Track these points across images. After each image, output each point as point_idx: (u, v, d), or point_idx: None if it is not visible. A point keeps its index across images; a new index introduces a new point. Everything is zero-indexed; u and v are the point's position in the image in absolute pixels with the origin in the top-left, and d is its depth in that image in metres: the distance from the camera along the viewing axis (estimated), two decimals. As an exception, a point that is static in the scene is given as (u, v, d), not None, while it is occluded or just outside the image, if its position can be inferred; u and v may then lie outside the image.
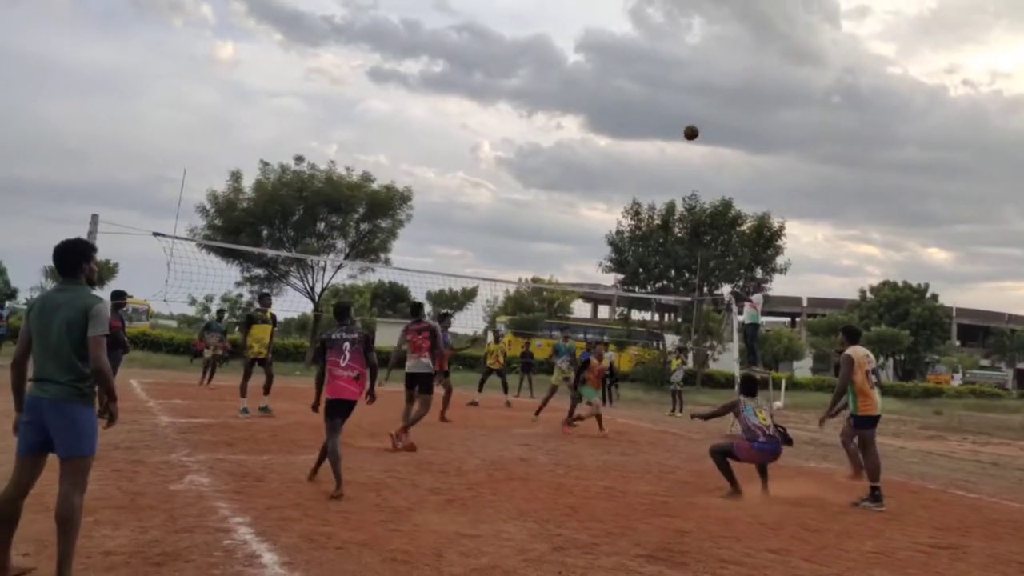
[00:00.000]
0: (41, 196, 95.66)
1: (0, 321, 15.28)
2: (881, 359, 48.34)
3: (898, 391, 34.12)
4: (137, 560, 4.07)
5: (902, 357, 49.83)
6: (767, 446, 7.51)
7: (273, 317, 12.19)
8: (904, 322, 48.82)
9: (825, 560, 5.15)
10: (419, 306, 10.59)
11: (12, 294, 35.26)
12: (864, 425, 7.61)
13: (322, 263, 30.63)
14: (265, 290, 28.61)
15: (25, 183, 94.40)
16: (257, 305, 13.26)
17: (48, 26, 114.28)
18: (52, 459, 3.78)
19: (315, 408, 6.80)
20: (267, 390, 11.43)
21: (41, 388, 3.70)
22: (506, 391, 17.28)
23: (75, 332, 3.70)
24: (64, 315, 3.71)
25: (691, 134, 11.05)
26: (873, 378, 7.67)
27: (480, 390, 16.96)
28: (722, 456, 7.56)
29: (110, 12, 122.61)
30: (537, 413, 13.54)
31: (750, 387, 8.03)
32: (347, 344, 6.67)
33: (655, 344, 33.59)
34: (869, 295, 53.39)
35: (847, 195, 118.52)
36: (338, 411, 6.58)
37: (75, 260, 3.88)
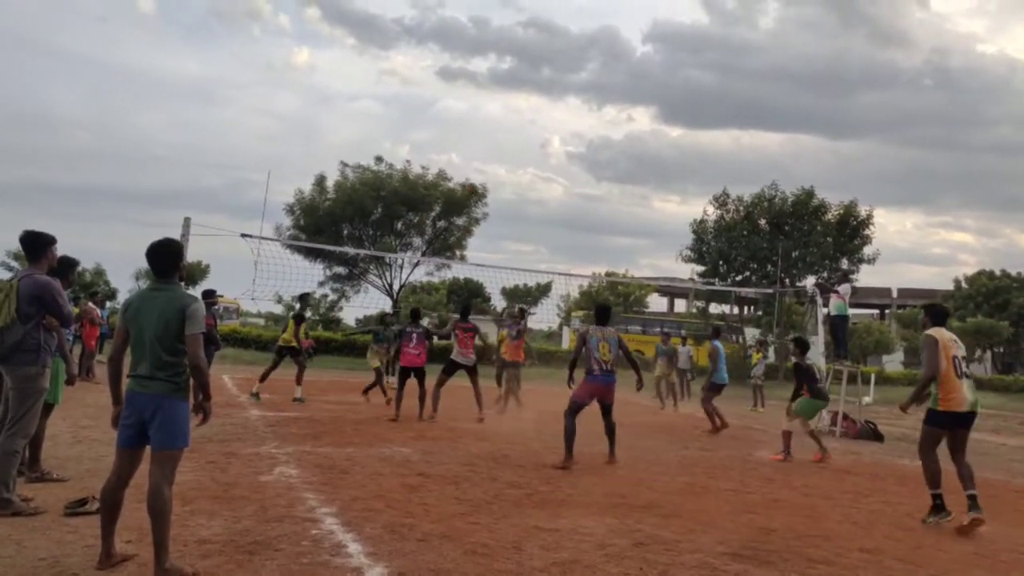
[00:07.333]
0: (134, 201, 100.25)
1: (103, 321, 16.15)
2: (978, 351, 45.87)
3: (997, 385, 32.10)
4: (230, 548, 4.24)
5: (1001, 350, 47.10)
6: (600, 378, 7.70)
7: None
8: (1003, 313, 46.14)
9: (921, 561, 4.93)
10: (467, 308, 11.90)
11: (112, 295, 37.27)
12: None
13: (400, 261, 31.22)
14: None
15: (119, 189, 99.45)
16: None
17: (138, 41, 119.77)
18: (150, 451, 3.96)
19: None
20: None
21: (140, 384, 3.85)
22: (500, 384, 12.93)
23: (172, 330, 3.84)
24: (162, 314, 3.85)
25: None
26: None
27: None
28: (572, 416, 7.64)
29: (195, 25, 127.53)
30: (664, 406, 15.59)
31: (602, 315, 8.07)
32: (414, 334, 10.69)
33: (735, 338, 32.82)
34: (964, 285, 50.65)
35: (938, 180, 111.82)
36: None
37: (171, 261, 4.01)
